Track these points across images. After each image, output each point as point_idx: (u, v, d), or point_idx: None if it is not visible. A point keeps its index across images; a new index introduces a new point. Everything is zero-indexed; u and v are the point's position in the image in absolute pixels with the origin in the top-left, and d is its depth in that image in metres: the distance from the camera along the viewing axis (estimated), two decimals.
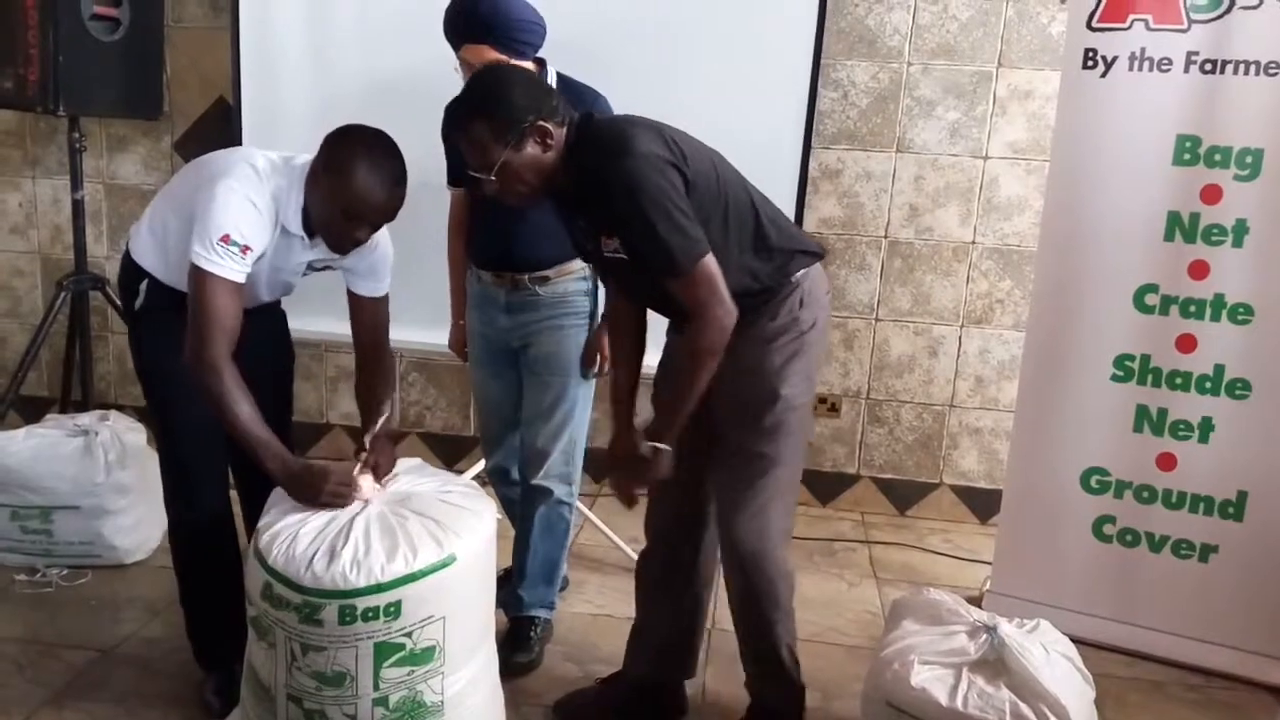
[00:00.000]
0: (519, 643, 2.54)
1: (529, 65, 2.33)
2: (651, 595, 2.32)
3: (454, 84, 2.59)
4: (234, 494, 2.33)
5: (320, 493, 1.95)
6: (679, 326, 2.09)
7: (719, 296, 1.88)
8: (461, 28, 2.33)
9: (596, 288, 2.52)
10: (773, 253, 2.03)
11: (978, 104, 3.47)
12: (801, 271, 2.07)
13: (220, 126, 3.64)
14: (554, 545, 2.63)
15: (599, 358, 2.55)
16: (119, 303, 2.28)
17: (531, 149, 1.90)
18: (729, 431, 2.09)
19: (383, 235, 2.17)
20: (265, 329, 2.31)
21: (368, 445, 2.13)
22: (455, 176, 2.54)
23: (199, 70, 3.74)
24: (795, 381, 2.05)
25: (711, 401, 2.03)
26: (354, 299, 2.25)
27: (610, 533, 3.23)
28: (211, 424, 2.15)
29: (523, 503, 2.64)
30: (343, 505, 1.95)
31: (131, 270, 2.19)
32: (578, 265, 2.48)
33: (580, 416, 2.59)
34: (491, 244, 2.51)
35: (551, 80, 2.39)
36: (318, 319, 2.81)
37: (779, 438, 2.06)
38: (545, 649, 2.62)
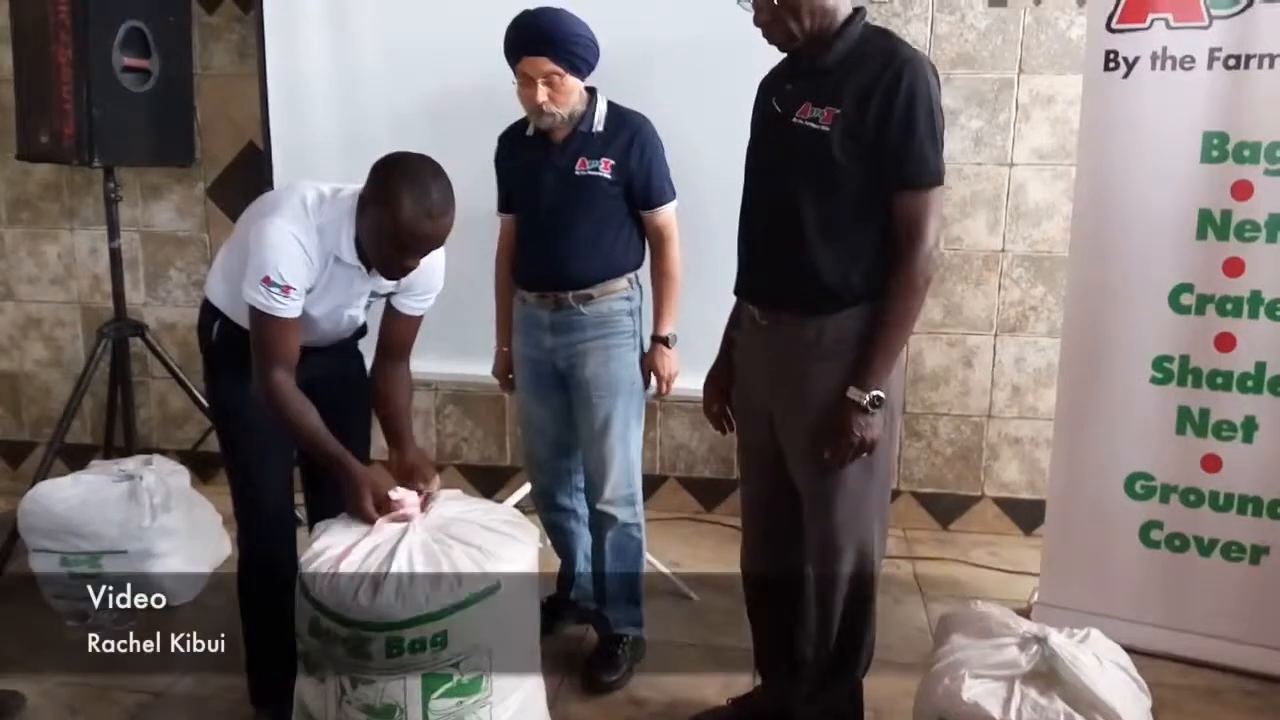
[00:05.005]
0: (606, 661, 2.57)
1: (582, 87, 2.42)
2: (756, 614, 2.32)
3: (482, 113, 2.61)
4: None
5: (380, 496, 2.00)
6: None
7: (936, 229, 1.90)
8: (523, 40, 2.38)
9: (641, 308, 2.57)
10: None
11: (1000, 111, 3.46)
12: None
13: (251, 170, 3.69)
14: (628, 565, 2.67)
15: (657, 380, 2.59)
16: (198, 343, 2.29)
17: None
18: (815, 443, 2.02)
19: (438, 258, 2.18)
20: (341, 372, 2.32)
21: (401, 455, 2.16)
22: (505, 204, 2.62)
23: (228, 116, 3.81)
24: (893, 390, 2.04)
25: (786, 420, 2.07)
26: (391, 311, 2.26)
27: (652, 558, 3.22)
28: (276, 463, 2.19)
29: (592, 527, 2.70)
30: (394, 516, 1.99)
31: (206, 309, 2.24)
32: (622, 284, 2.53)
33: (633, 435, 2.61)
34: (536, 262, 2.55)
35: (602, 108, 2.48)
36: None
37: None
38: (634, 670, 2.62)
